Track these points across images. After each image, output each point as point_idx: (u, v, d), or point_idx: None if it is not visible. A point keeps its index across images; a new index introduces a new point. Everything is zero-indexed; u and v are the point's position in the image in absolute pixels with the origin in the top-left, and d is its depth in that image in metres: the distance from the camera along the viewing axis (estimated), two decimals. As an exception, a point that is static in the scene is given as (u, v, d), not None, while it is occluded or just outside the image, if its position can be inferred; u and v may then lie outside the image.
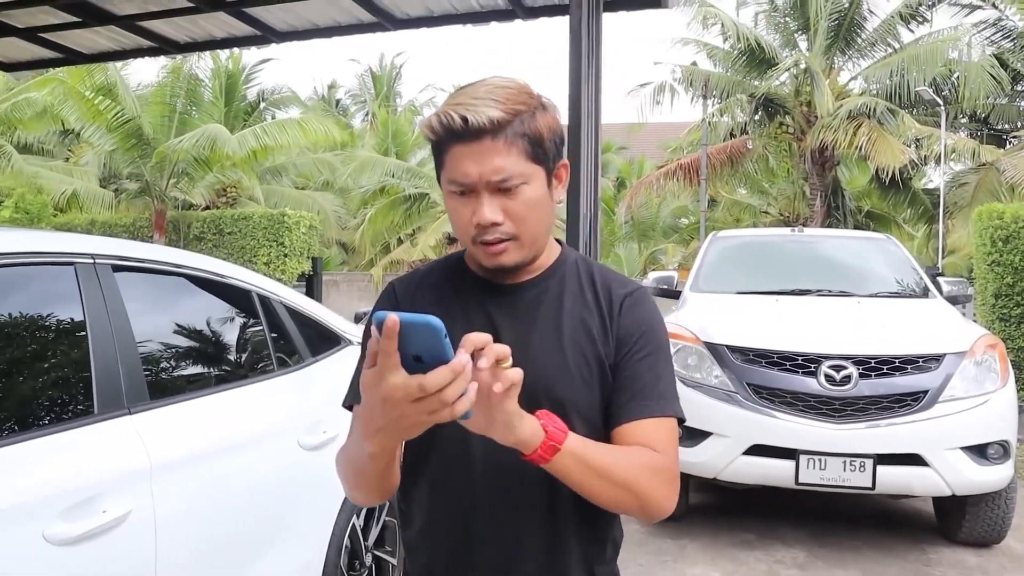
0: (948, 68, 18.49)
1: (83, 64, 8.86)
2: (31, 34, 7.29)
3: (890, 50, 19.15)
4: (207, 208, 17.69)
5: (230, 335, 2.93)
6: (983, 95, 17.79)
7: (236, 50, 20.63)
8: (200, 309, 2.81)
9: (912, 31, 19.22)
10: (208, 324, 2.81)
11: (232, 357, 2.94)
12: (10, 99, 16.33)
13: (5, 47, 7.65)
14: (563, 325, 1.29)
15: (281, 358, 3.04)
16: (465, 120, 1.15)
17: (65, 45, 7.58)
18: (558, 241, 1.39)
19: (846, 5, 18.65)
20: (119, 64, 16.11)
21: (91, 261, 2.27)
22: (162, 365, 2.52)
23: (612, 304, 1.31)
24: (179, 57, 15.17)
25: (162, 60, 16.24)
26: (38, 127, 17.73)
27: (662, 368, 1.31)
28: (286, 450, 2.78)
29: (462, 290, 1.33)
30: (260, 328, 2.99)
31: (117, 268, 2.35)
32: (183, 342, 2.67)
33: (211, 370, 2.78)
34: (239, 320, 2.97)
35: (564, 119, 1.38)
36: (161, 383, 2.48)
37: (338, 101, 35.80)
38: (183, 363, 2.67)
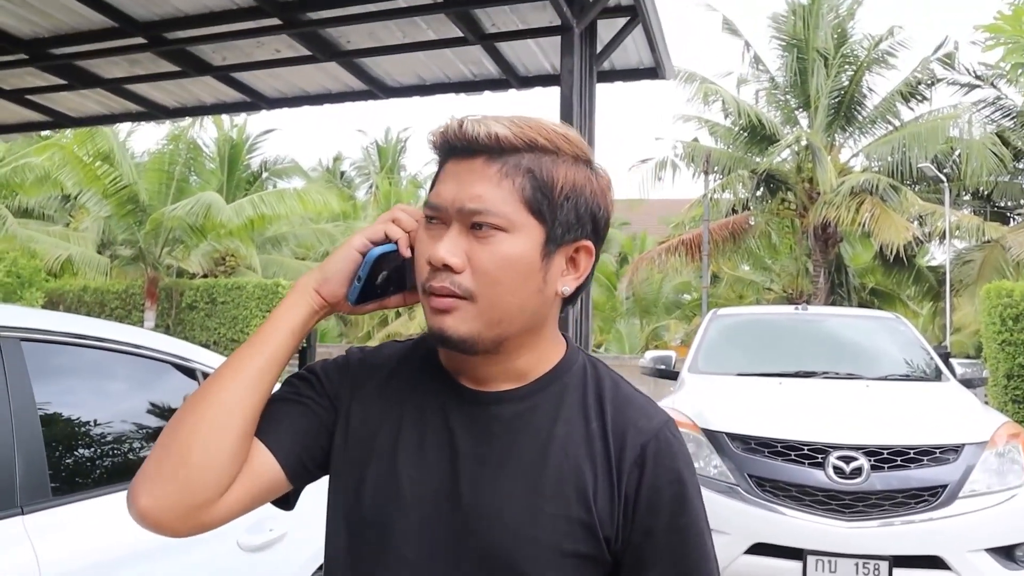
0: (949, 145, 18.53)
1: (71, 127, 8.79)
2: (18, 96, 7.20)
3: (891, 127, 19.24)
4: (204, 276, 17.50)
5: (163, 419, 2.62)
6: (986, 172, 17.78)
7: (240, 120, 20.80)
8: (129, 390, 2.50)
9: (912, 109, 19.39)
10: (137, 407, 2.50)
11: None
12: (11, 164, 16.33)
13: (-8, 110, 7.55)
14: (547, 468, 0.94)
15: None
16: (461, 126, 0.92)
17: (53, 108, 7.49)
18: (564, 336, 1.04)
19: (846, 83, 18.79)
20: (121, 132, 16.19)
21: (-6, 334, 2.00)
22: (74, 455, 2.21)
23: (625, 453, 0.94)
24: (177, 124, 15.20)
25: (165, 128, 16.29)
26: (38, 192, 17.73)
27: (701, 544, 0.97)
28: (223, 553, 2.44)
29: (424, 386, 1.01)
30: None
31: (27, 341, 2.07)
32: (105, 428, 2.36)
33: (135, 459, 2.45)
34: (175, 402, 2.66)
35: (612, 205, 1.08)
36: (70, 476, 2.16)
37: (343, 173, 36.04)
38: (102, 452, 2.34)
